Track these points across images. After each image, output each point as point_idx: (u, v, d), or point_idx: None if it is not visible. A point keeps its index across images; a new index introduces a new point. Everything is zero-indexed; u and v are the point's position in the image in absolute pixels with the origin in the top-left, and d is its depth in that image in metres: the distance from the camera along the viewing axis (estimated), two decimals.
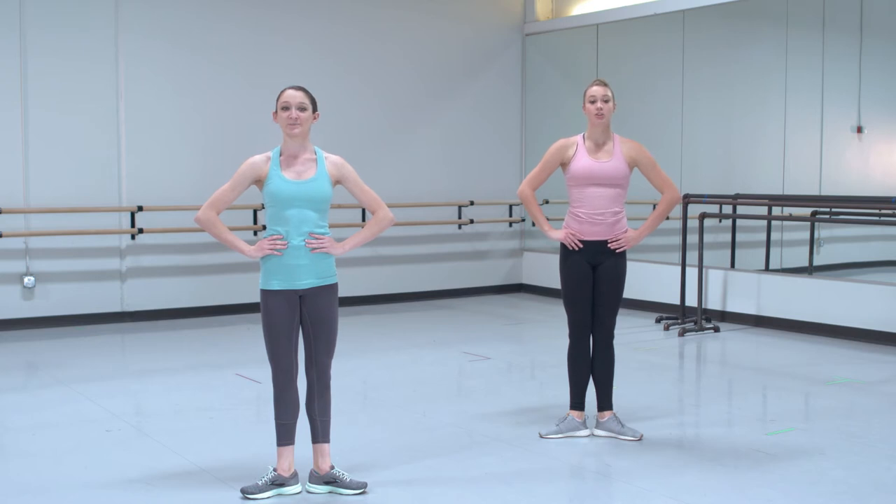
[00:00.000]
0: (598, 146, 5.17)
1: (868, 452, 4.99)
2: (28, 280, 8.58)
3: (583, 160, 5.12)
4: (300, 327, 4.37)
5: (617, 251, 5.16)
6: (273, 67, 9.63)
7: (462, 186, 10.97)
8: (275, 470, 4.38)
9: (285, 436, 4.39)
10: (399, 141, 10.55)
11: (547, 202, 10.67)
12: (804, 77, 9.38)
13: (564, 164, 5.20)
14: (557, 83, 11.19)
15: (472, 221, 10.94)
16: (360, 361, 7.35)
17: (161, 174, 9.15)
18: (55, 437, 5.32)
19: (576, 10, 11.02)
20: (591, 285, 5.20)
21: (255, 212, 9.31)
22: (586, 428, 5.31)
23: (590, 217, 5.12)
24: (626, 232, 5.18)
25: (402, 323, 9.37)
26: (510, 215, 11.29)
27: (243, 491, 4.32)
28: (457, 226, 10.95)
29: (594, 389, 5.34)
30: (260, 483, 4.34)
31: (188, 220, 8.90)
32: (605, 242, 5.15)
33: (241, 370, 6.95)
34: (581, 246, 5.15)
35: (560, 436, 5.24)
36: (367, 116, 10.32)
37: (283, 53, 9.76)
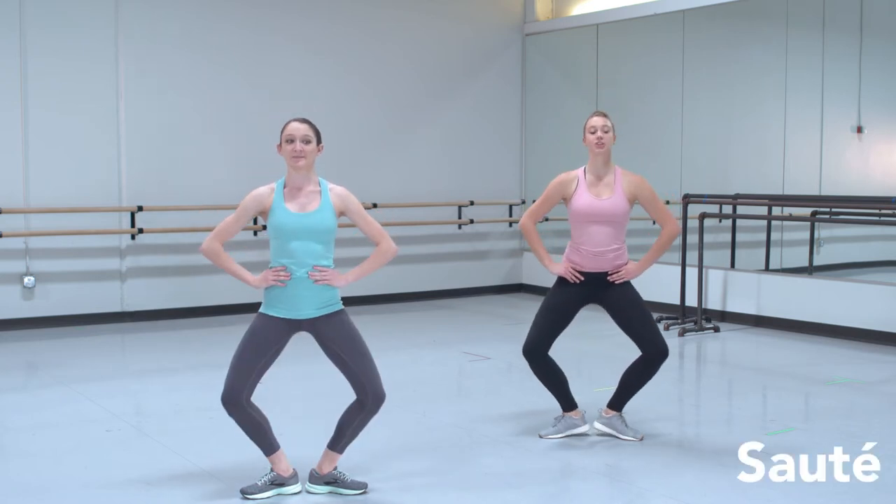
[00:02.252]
0: (598, 179, 5.15)
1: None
2: (28, 280, 8.58)
3: (583, 197, 5.11)
4: (274, 360, 4.31)
5: (617, 283, 5.16)
6: (273, 67, 9.63)
7: (462, 186, 10.96)
8: (272, 470, 4.39)
9: (268, 448, 4.37)
10: (399, 141, 10.55)
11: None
12: (804, 77, 9.38)
13: (566, 199, 5.20)
14: (557, 83, 11.19)
15: (472, 221, 10.93)
16: None
17: (161, 174, 9.14)
18: (55, 437, 5.33)
19: (576, 10, 11.01)
20: (570, 318, 5.19)
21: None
22: (585, 423, 5.31)
23: (591, 252, 5.12)
24: (626, 264, 5.18)
25: (402, 323, 9.37)
26: (510, 215, 11.28)
27: (243, 491, 4.32)
28: (457, 226, 10.95)
29: (616, 387, 5.31)
30: (259, 483, 4.34)
31: (188, 220, 8.90)
32: (605, 274, 5.14)
33: None
34: (582, 279, 5.15)
35: (560, 435, 5.24)
36: (367, 116, 10.32)
37: (283, 53, 9.76)
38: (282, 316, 4.24)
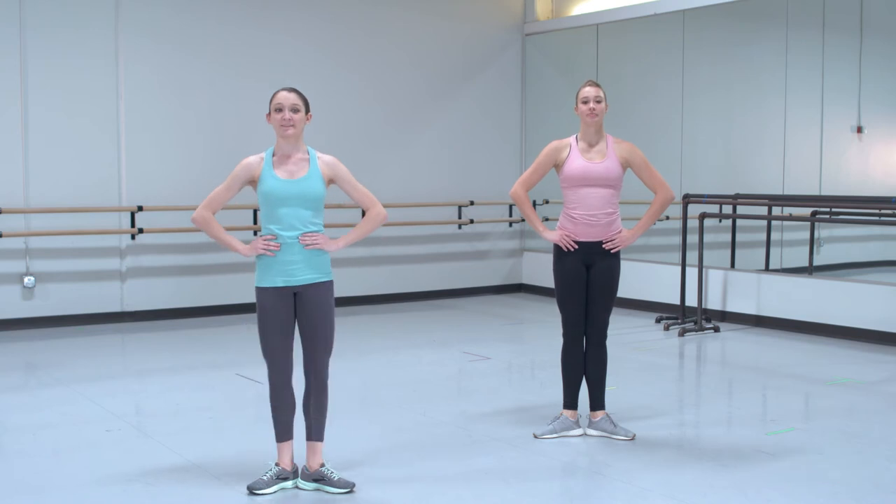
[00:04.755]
0: (591, 147, 5.18)
1: (868, 452, 4.99)
2: (28, 280, 8.58)
3: (576, 161, 5.13)
4: (296, 326, 4.40)
5: (612, 251, 5.17)
6: (273, 67, 9.62)
7: (462, 186, 10.97)
8: (277, 465, 4.43)
9: (283, 433, 4.45)
10: (399, 141, 10.55)
11: (547, 202, 10.67)
12: (804, 77, 9.38)
13: (558, 166, 5.21)
14: (557, 83, 11.19)
15: (472, 221, 10.93)
16: (360, 361, 7.35)
17: (161, 174, 9.15)
18: (55, 437, 5.33)
19: (576, 10, 11.01)
20: (585, 286, 5.20)
21: (254, 212, 9.31)
22: (579, 427, 5.31)
23: (584, 218, 5.12)
24: (620, 232, 5.19)
25: (401, 323, 9.37)
26: (510, 215, 11.29)
27: (250, 488, 4.34)
28: (457, 226, 10.95)
29: (586, 389, 5.33)
30: (265, 478, 4.37)
31: (188, 220, 8.87)
32: (599, 243, 5.15)
33: (240, 370, 6.95)
34: (576, 247, 5.15)
35: (554, 435, 5.24)
36: (368, 116, 10.32)
37: (283, 53, 9.76)
38: (278, 285, 4.31)
